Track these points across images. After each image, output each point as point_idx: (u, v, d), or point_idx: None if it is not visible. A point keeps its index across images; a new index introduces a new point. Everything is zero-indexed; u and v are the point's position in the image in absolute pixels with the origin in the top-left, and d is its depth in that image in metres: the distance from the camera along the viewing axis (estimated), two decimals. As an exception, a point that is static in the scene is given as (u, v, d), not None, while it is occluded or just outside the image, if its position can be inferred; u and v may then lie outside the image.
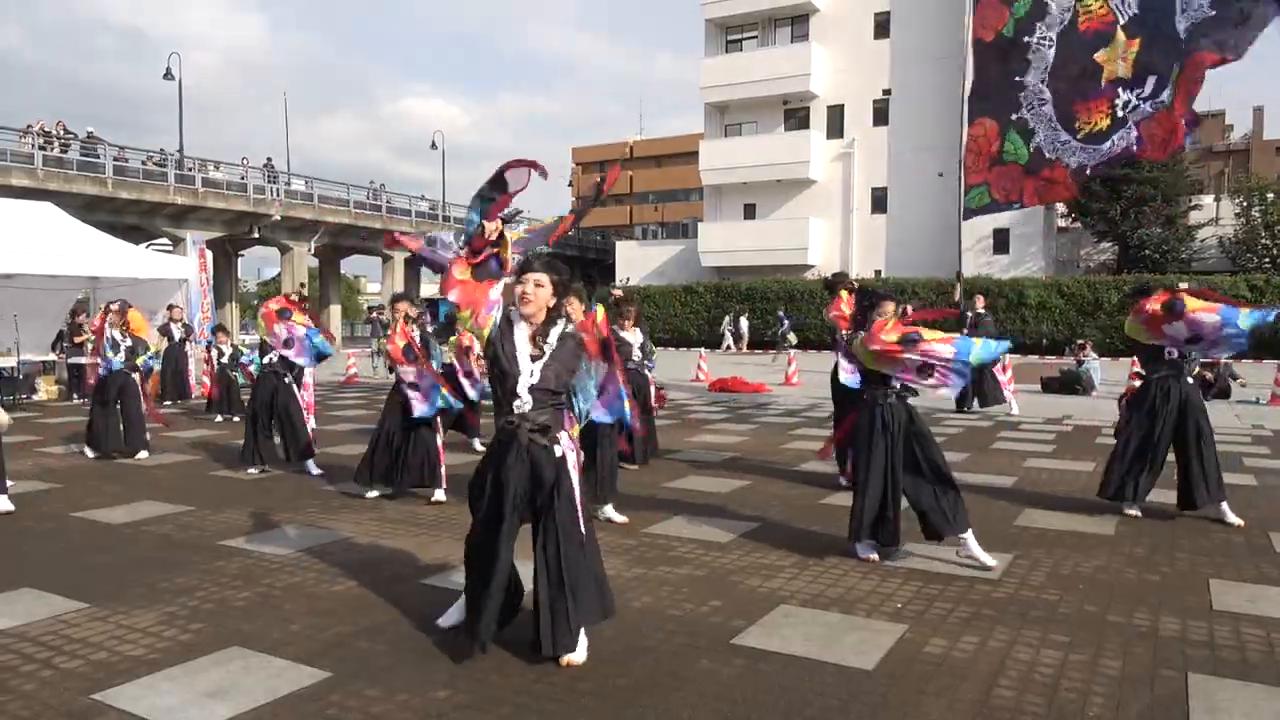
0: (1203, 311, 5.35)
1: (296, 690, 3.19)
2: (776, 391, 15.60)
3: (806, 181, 37.11)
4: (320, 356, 7.72)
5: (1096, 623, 3.89)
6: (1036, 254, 33.65)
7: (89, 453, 8.71)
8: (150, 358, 9.32)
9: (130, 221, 28.75)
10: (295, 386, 8.04)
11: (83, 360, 14.09)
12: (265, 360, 7.95)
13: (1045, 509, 6.14)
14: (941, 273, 31.48)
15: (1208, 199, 36.04)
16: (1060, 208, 33.72)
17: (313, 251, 37.32)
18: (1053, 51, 6.19)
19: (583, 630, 3.47)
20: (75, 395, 14.46)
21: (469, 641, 3.46)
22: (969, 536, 4.76)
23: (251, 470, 7.75)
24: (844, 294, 6.74)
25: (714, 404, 13.72)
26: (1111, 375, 16.38)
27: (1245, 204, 32.25)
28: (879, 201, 36.09)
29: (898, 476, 4.78)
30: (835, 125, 36.89)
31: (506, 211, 3.56)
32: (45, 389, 14.86)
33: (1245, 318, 5.26)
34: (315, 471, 7.65)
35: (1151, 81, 5.83)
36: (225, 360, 12.19)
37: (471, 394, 7.93)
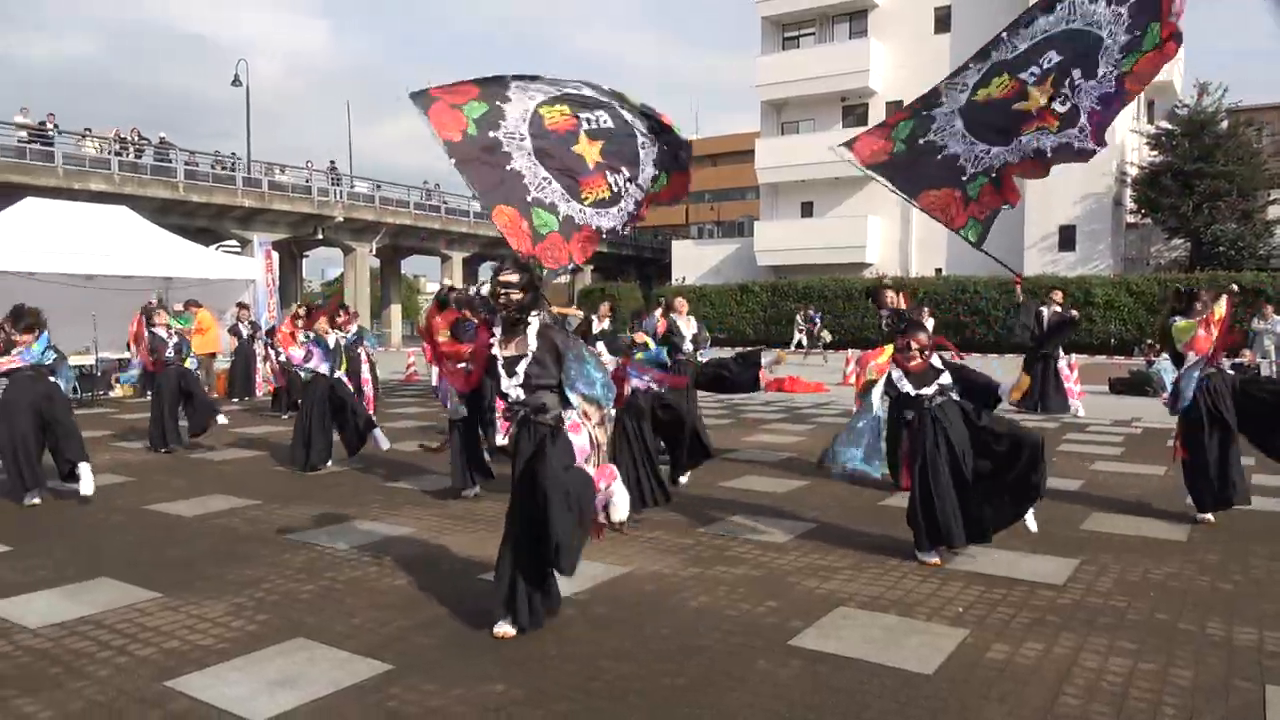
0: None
1: (358, 682, 3.25)
2: (834, 392, 15.44)
3: (865, 178, 36.37)
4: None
5: (1167, 631, 3.77)
6: (1104, 251, 32.72)
7: (163, 450, 9.01)
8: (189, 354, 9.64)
9: (201, 224, 29.64)
10: (344, 379, 8.20)
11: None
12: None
13: (1113, 513, 5.97)
14: (1003, 270, 30.84)
15: (1287, 193, 34.67)
16: (1129, 203, 32.76)
17: (374, 252, 38.02)
18: None
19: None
20: (149, 392, 14.94)
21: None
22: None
23: (319, 469, 7.89)
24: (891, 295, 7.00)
25: (770, 403, 13.63)
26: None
27: (1327, 198, 30.96)
28: (939, 199, 35.39)
29: (962, 478, 4.71)
30: (894, 122, 36.25)
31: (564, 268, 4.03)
32: (121, 386, 15.40)
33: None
34: (384, 444, 7.80)
35: None
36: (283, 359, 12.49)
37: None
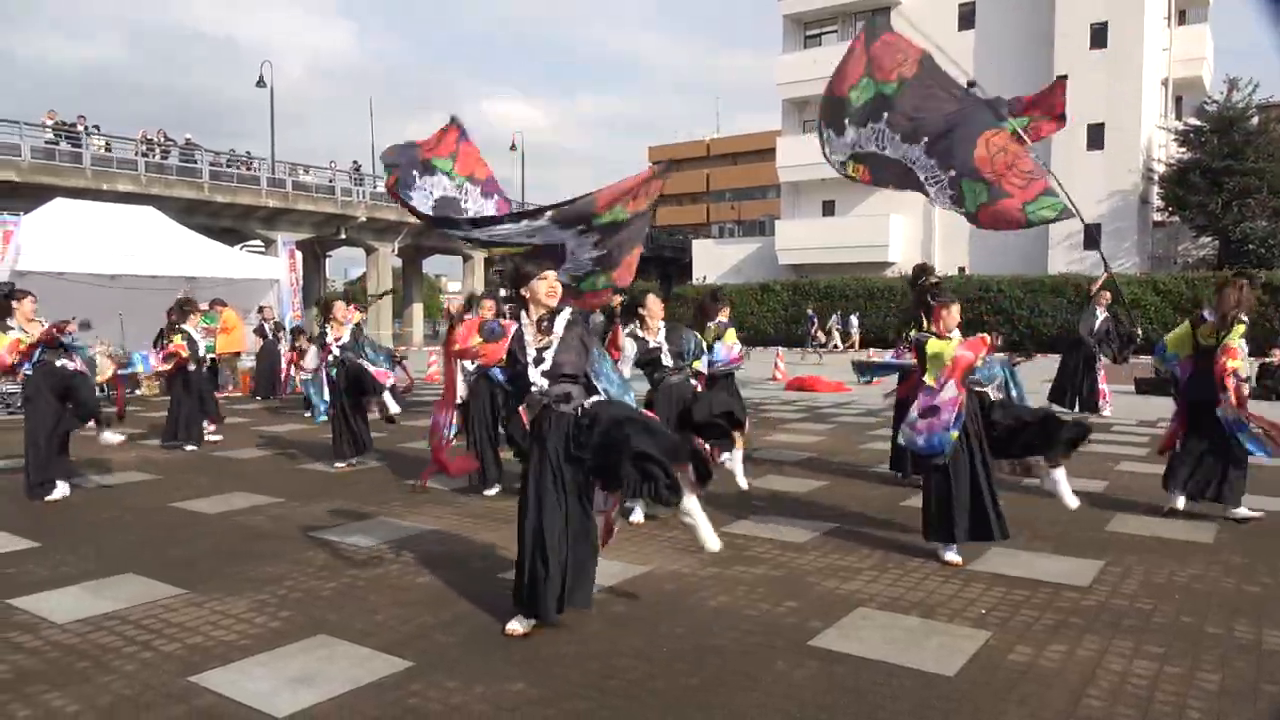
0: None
1: (379, 679, 3.27)
2: (855, 391, 15.36)
3: (887, 177, 36.36)
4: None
5: (1194, 634, 3.72)
6: (1130, 250, 32.33)
7: (188, 447, 9.12)
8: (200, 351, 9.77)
9: (225, 224, 29.97)
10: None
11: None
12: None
13: (1138, 514, 5.90)
14: (1027, 269, 30.55)
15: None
16: (1157, 201, 32.35)
17: (396, 252, 38.27)
18: None
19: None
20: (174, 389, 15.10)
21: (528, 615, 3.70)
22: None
23: (340, 465, 7.95)
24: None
25: (791, 403, 13.58)
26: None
27: (1361, 195, 30.41)
28: (963, 197, 35.16)
29: (988, 470, 4.77)
30: (918, 120, 36.06)
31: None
32: (147, 384, 15.58)
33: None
34: (394, 408, 8.02)
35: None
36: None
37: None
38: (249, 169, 31.77)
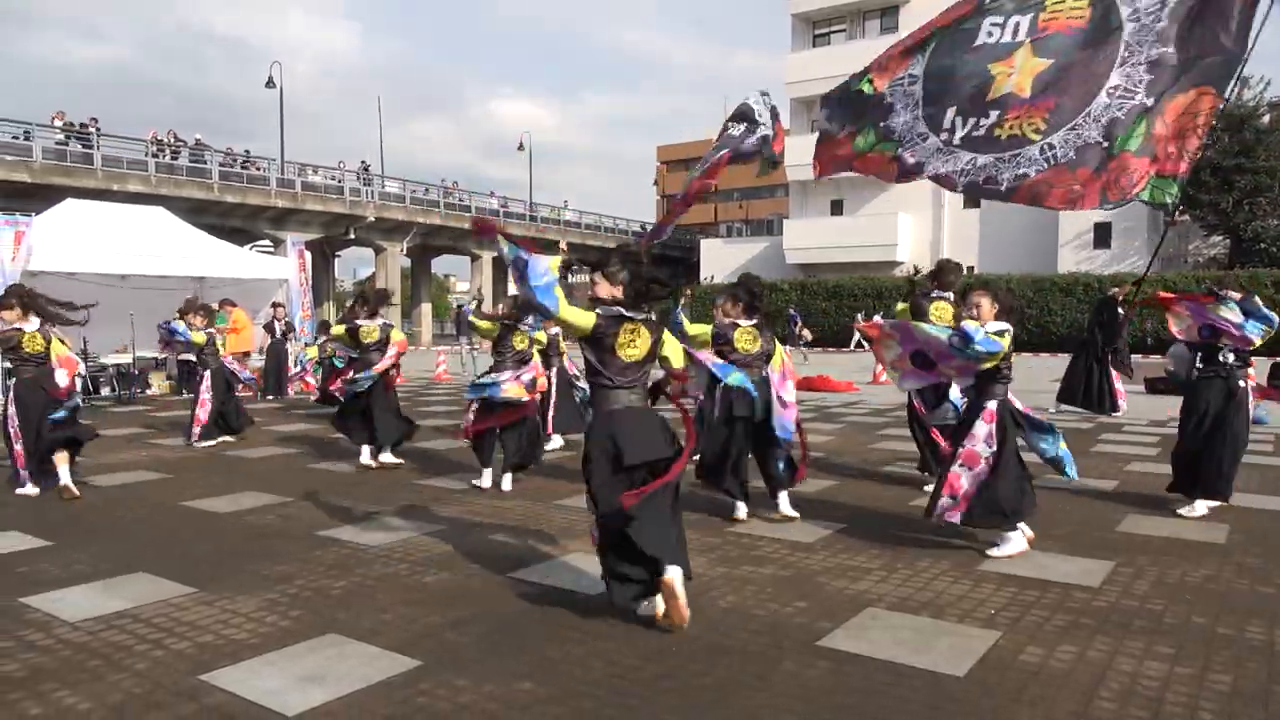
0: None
1: (388, 678, 3.28)
2: (865, 391, 15.33)
3: (895, 176, 36.31)
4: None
5: (1206, 635, 3.70)
6: (1140, 248, 32.21)
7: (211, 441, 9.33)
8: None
9: (235, 224, 30.07)
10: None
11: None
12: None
13: (1150, 514, 5.87)
14: (1037, 268, 30.44)
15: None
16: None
17: (404, 251, 38.35)
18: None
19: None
20: (185, 390, 15.17)
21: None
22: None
23: (364, 453, 8.01)
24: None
25: (800, 402, 13.53)
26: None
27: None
28: (971, 196, 35.08)
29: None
30: (926, 118, 36.00)
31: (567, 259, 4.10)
32: (158, 384, 15.66)
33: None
34: (390, 460, 7.89)
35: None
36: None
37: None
38: (257, 169, 31.86)
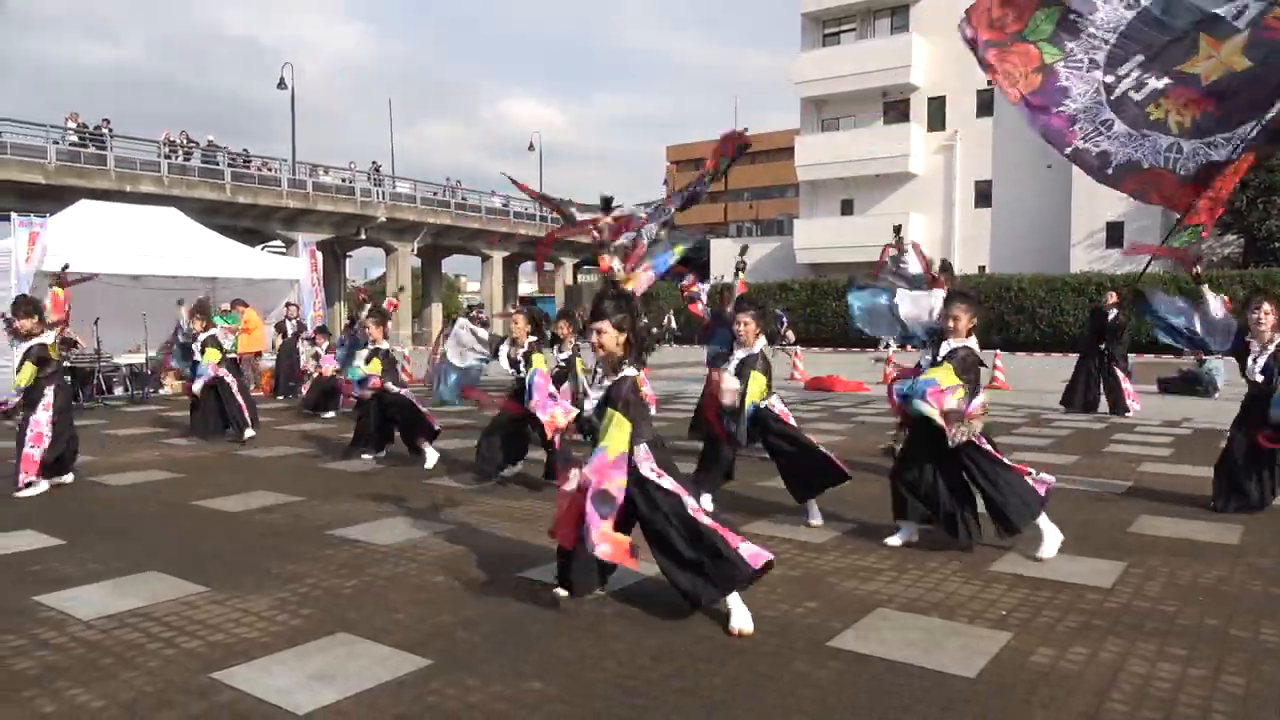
0: None
1: (398, 677, 3.29)
2: (874, 391, 15.28)
3: (906, 175, 36.28)
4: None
5: (1219, 636, 3.68)
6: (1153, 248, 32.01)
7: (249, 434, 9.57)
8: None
9: (246, 224, 30.22)
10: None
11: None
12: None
13: (1162, 515, 5.83)
14: (1048, 268, 30.27)
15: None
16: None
17: (415, 252, 38.47)
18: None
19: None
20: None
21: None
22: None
23: (365, 456, 8.10)
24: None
25: (809, 403, 13.53)
26: (1237, 375, 15.44)
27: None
28: (983, 195, 34.98)
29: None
30: (937, 117, 35.94)
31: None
32: (170, 384, 15.73)
33: None
34: (431, 458, 7.87)
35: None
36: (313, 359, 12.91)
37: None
38: (269, 170, 31.98)
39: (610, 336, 3.85)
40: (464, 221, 38.45)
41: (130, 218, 15.97)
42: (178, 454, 8.83)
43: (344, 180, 34.62)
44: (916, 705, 3.04)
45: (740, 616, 3.70)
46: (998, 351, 19.28)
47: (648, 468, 3.80)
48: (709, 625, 3.81)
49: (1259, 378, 5.79)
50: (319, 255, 18.52)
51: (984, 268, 33.36)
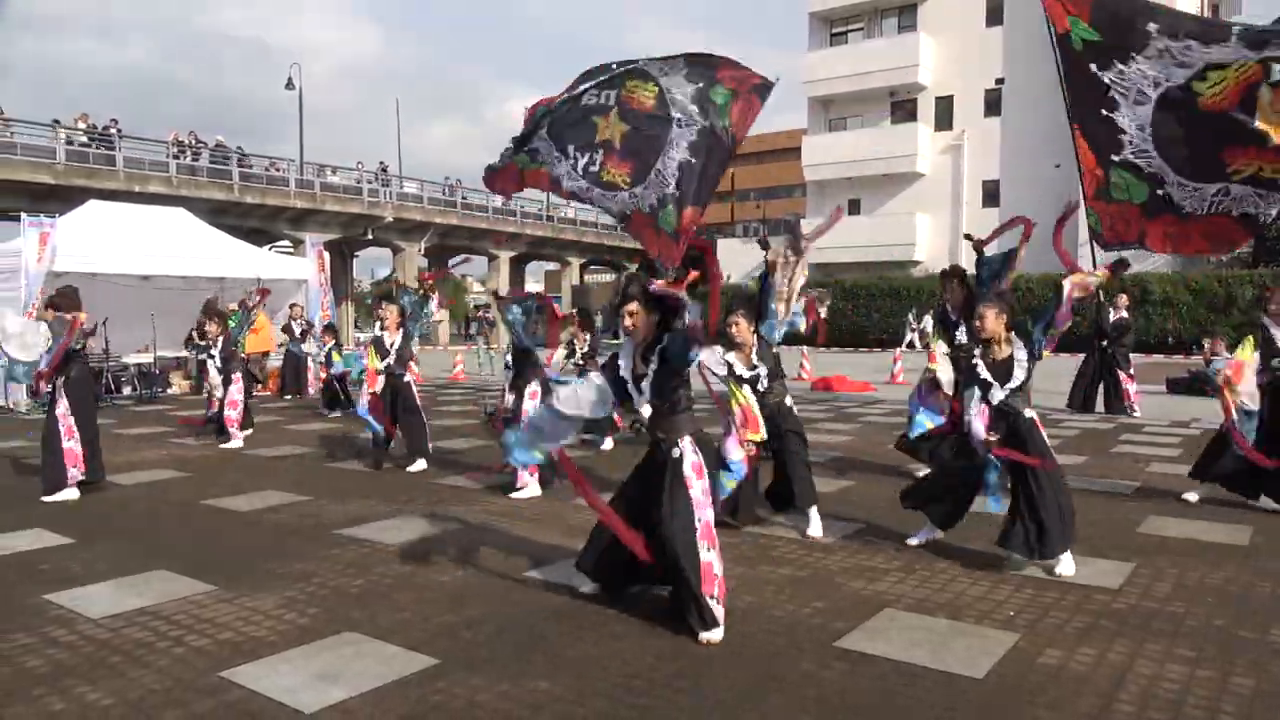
0: None
1: (404, 676, 3.30)
2: (881, 391, 15.26)
3: (913, 175, 36.19)
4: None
5: (1226, 638, 3.66)
6: (1163, 247, 31.86)
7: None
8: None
9: (254, 225, 30.27)
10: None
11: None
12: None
13: (1170, 516, 5.81)
14: (1056, 268, 30.14)
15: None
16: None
17: (423, 251, 38.51)
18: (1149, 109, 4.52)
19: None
20: (205, 390, 15.30)
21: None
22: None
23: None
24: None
25: (817, 403, 13.51)
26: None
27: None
28: (991, 195, 34.88)
29: None
30: (944, 117, 35.84)
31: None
32: (178, 383, 15.80)
33: None
34: (418, 467, 7.82)
35: None
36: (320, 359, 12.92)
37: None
38: (277, 170, 32.06)
39: (642, 317, 3.85)
40: (470, 221, 38.48)
41: (139, 218, 16.04)
42: (186, 453, 8.87)
43: (351, 180, 34.68)
44: (923, 706, 3.03)
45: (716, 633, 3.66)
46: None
47: (689, 464, 3.80)
48: (715, 625, 3.81)
49: None
50: (327, 255, 18.56)
51: (991, 267, 33.22)
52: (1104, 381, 11.50)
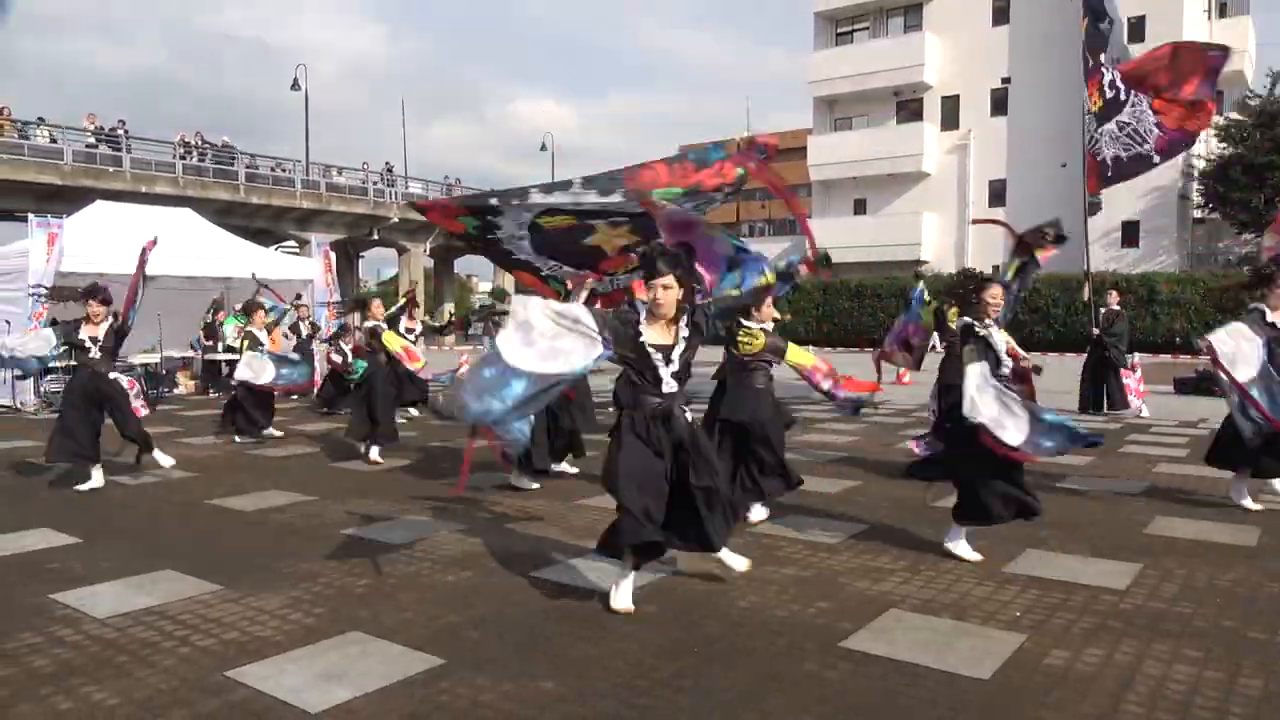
0: None
1: (409, 676, 3.30)
2: (887, 391, 15.22)
3: (919, 175, 36.13)
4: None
5: (1234, 639, 3.64)
6: (1169, 247, 31.77)
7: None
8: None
9: (260, 225, 30.36)
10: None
11: (219, 357, 14.96)
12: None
13: (1178, 516, 5.79)
14: (1064, 268, 30.08)
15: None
16: (1196, 197, 31.72)
17: (428, 252, 38.57)
18: None
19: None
20: (211, 390, 15.34)
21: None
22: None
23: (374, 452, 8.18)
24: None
25: (823, 403, 13.47)
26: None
27: None
28: (997, 194, 34.80)
29: None
30: (950, 116, 35.78)
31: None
32: (184, 383, 15.84)
33: None
34: (373, 456, 8.07)
35: None
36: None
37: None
38: (284, 170, 32.14)
39: (673, 292, 3.89)
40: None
41: (145, 218, 16.05)
42: (192, 453, 8.89)
43: (357, 181, 34.75)
44: (928, 707, 3.02)
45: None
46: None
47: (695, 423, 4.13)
48: (719, 625, 3.80)
49: None
50: (333, 255, 18.58)
51: (998, 267, 33.17)
52: (1105, 381, 11.46)
